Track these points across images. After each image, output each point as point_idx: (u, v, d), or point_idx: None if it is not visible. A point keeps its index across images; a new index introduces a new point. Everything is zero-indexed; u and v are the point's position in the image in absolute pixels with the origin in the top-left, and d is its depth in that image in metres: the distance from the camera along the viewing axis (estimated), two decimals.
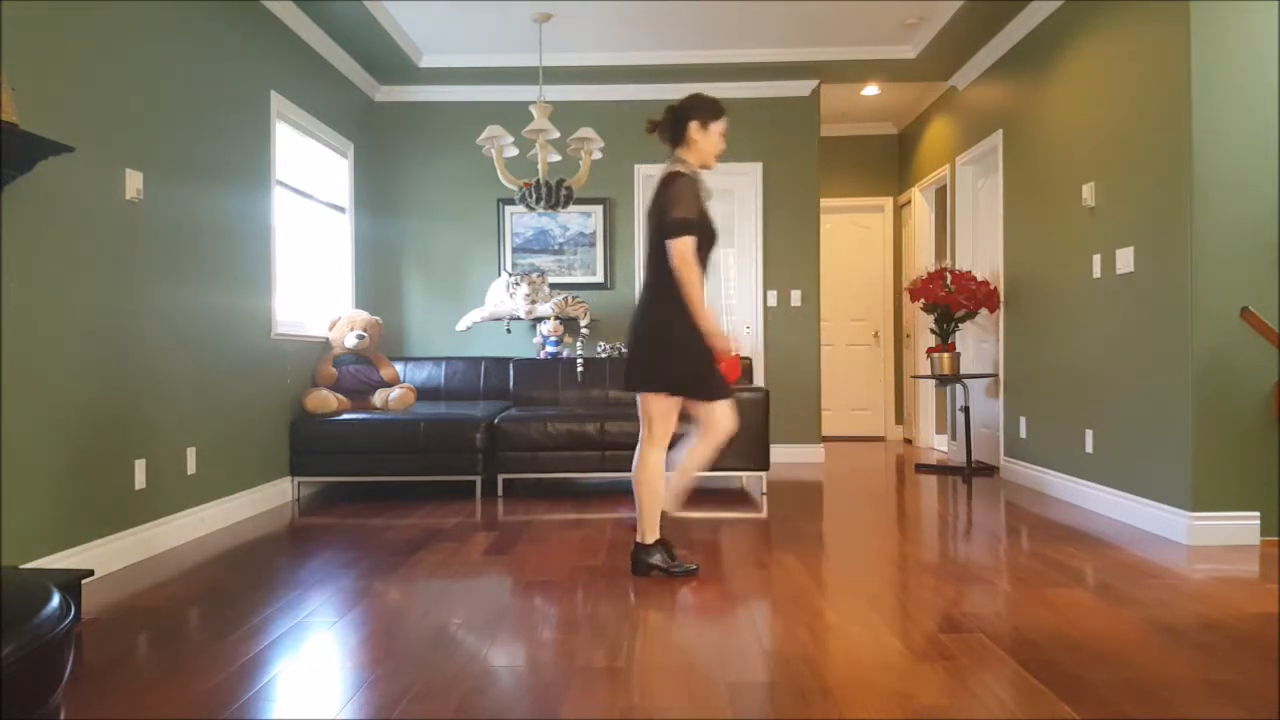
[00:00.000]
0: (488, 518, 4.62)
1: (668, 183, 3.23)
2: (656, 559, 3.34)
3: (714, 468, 5.22)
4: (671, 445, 3.38)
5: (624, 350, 3.35)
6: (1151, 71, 4.13)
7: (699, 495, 5.33)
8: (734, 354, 3.30)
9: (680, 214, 3.15)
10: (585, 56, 6.22)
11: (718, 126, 3.35)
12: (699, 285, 3.19)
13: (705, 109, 3.36)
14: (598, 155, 5.47)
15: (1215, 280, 3.84)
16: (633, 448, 5.22)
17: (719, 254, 6.92)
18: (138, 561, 3.66)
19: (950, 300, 5.79)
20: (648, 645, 2.57)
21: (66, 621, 1.24)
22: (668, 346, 3.22)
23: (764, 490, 5.37)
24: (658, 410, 3.30)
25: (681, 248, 3.14)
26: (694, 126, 3.33)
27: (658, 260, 3.24)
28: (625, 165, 6.73)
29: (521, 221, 6.77)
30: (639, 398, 3.34)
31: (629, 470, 5.21)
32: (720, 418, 3.31)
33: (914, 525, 4.41)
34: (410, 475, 5.16)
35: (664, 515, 3.38)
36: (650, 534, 3.34)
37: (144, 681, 2.31)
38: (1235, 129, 3.84)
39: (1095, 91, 4.67)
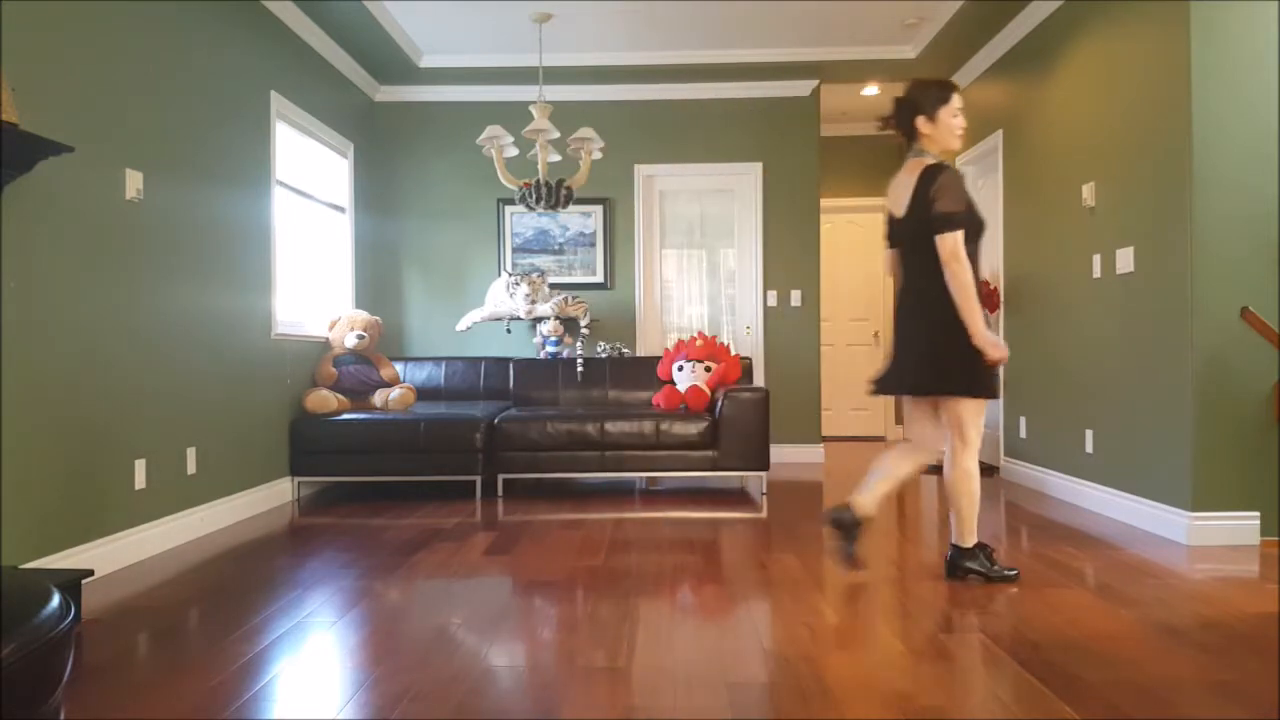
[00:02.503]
0: (488, 518, 4.62)
1: (930, 176, 3.11)
2: (974, 563, 3.26)
3: (714, 467, 5.24)
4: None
5: (898, 352, 3.21)
6: (1151, 71, 4.13)
7: (699, 495, 5.33)
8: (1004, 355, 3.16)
9: (948, 207, 3.06)
10: (585, 56, 6.22)
11: (947, 111, 3.21)
12: (972, 283, 3.09)
13: (929, 100, 3.20)
14: (598, 155, 5.47)
15: (1215, 280, 3.84)
16: (632, 448, 5.28)
17: (720, 254, 6.95)
18: (138, 561, 3.66)
19: None
20: (648, 645, 2.57)
21: (66, 621, 1.24)
22: (968, 344, 3.09)
23: (764, 490, 5.36)
24: (971, 413, 3.18)
25: (951, 243, 3.05)
26: (921, 121, 3.21)
27: (927, 257, 3.12)
28: (625, 165, 6.73)
29: (521, 221, 6.78)
30: (947, 402, 3.19)
31: (629, 470, 5.27)
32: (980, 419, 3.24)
33: (914, 525, 4.41)
34: (410, 475, 5.16)
35: (857, 522, 3.25)
36: (969, 537, 3.26)
37: (144, 681, 2.31)
38: (1235, 129, 3.84)
39: (1095, 91, 4.67)
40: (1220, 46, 3.84)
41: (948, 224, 3.05)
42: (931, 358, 3.14)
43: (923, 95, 3.22)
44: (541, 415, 5.28)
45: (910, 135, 3.25)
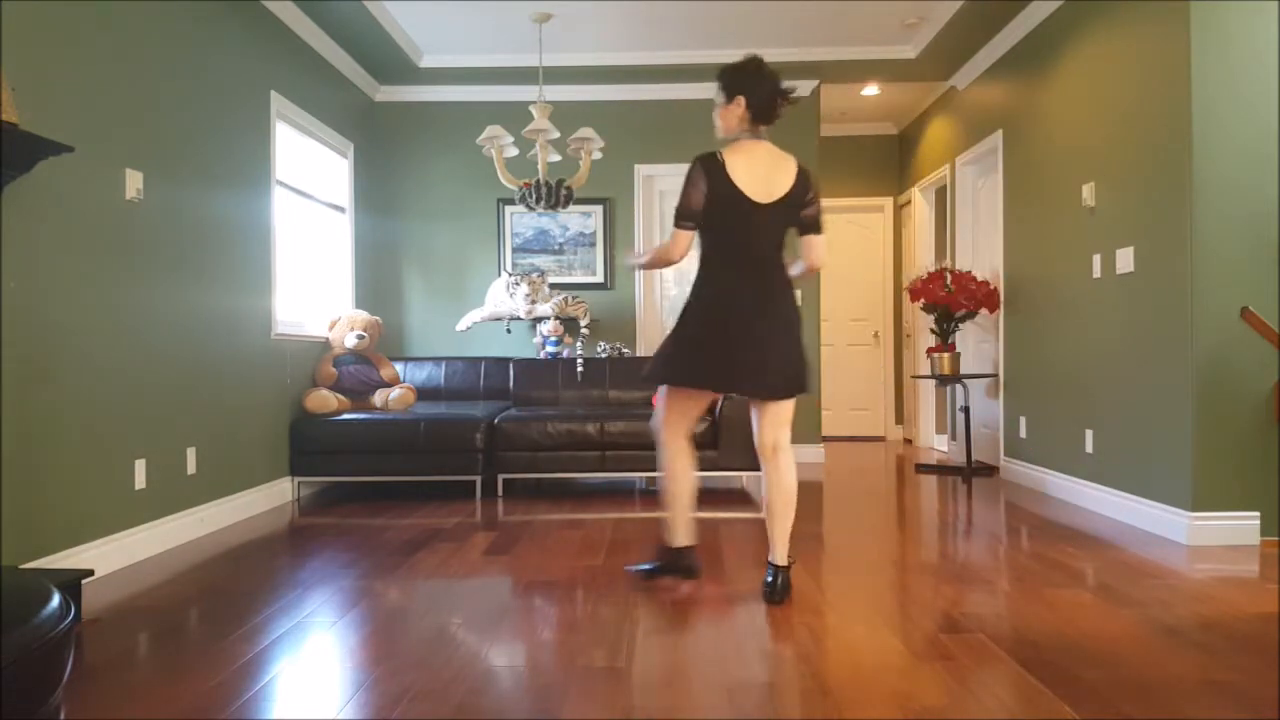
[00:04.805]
0: (488, 518, 4.62)
1: (807, 174, 3.11)
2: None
3: (714, 467, 5.24)
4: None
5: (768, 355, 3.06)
6: (1151, 71, 4.13)
7: (699, 495, 5.31)
8: None
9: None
10: (585, 56, 6.22)
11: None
12: None
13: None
14: (598, 155, 5.48)
15: (1215, 280, 3.84)
16: (631, 448, 5.27)
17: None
18: (138, 561, 3.66)
19: (950, 300, 5.79)
20: (648, 645, 2.57)
21: (66, 621, 1.25)
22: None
23: (764, 490, 5.35)
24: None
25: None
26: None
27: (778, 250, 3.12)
28: (625, 165, 6.73)
29: (521, 221, 6.77)
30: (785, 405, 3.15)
31: (628, 470, 5.27)
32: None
33: (914, 525, 4.41)
34: (410, 475, 5.16)
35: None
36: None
37: (144, 681, 2.31)
38: (1235, 129, 3.84)
39: (1095, 91, 4.67)
40: (1220, 46, 3.83)
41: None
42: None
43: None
44: (541, 415, 5.28)
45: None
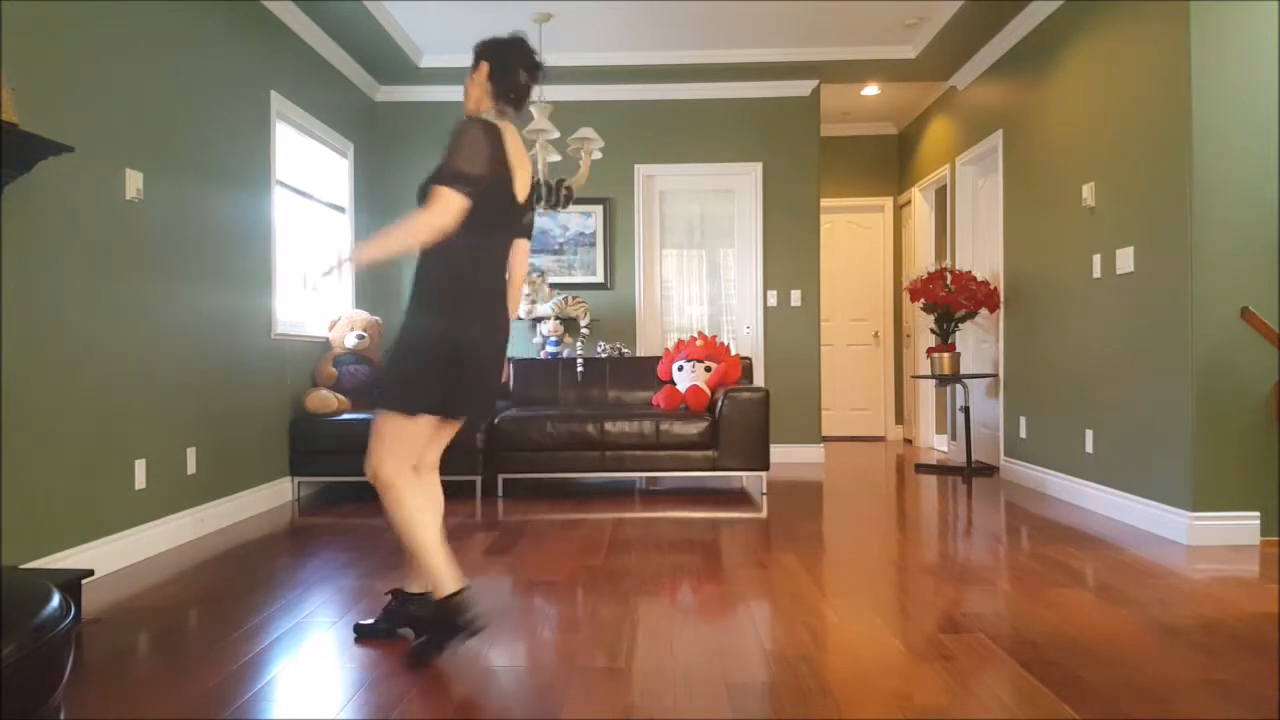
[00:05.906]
0: (488, 517, 4.62)
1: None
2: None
3: (714, 467, 5.24)
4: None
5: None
6: (1151, 71, 4.13)
7: (699, 495, 5.32)
8: None
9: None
10: (585, 56, 6.22)
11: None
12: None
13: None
14: (598, 155, 5.47)
15: (1215, 280, 3.84)
16: (632, 448, 5.28)
17: (720, 254, 6.93)
18: (138, 561, 3.66)
19: (950, 300, 5.79)
20: (648, 645, 2.57)
21: (66, 621, 1.25)
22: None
23: (764, 490, 5.36)
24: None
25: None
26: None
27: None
28: (625, 165, 6.73)
29: None
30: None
31: (629, 470, 5.27)
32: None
33: (914, 525, 4.41)
34: None
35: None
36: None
37: (144, 681, 2.31)
38: (1235, 129, 3.84)
39: (1095, 91, 4.67)
40: (1220, 46, 3.84)
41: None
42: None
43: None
44: (541, 415, 5.28)
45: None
